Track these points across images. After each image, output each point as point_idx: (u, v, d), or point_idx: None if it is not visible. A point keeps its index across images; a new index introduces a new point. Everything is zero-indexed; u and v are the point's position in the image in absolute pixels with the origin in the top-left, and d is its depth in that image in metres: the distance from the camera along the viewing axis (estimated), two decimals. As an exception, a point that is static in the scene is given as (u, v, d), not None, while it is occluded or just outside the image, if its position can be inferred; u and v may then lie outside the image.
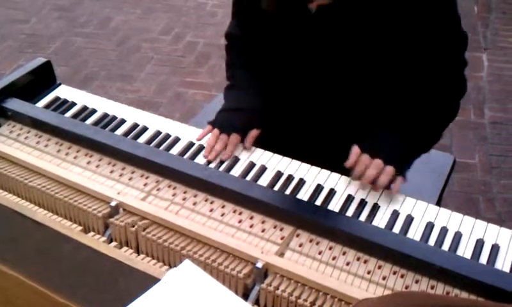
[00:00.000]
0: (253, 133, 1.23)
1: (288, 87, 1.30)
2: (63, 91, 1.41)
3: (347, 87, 1.22)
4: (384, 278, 0.89)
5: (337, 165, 1.14)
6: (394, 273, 0.90)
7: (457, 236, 0.98)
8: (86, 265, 0.80)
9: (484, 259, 0.94)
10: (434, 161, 1.61)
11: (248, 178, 1.13)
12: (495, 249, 0.96)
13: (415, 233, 1.00)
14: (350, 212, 1.04)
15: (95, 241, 0.87)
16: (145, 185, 1.10)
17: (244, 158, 1.19)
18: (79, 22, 3.50)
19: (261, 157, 1.19)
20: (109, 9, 3.62)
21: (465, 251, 0.96)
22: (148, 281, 0.72)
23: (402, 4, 1.10)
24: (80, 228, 1.00)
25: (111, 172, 1.13)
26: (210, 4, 3.68)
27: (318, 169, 1.15)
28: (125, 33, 3.39)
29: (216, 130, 1.22)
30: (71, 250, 0.81)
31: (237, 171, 1.15)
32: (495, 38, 3.21)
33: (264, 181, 1.12)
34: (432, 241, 0.98)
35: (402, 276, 0.90)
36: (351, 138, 1.18)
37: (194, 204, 1.05)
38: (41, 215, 0.97)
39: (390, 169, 1.09)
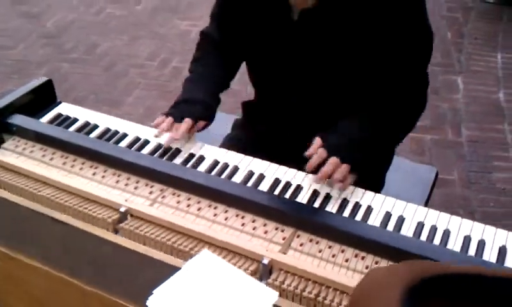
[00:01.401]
0: (200, 124, 1.33)
1: (270, 92, 1.39)
2: (64, 108, 1.46)
3: (326, 91, 1.31)
4: (381, 272, 0.96)
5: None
6: (390, 267, 0.97)
7: (447, 234, 1.06)
8: (110, 258, 0.84)
9: (471, 253, 1.02)
10: (417, 174, 1.69)
11: (249, 184, 1.19)
12: (481, 244, 1.03)
13: (407, 232, 1.07)
14: (346, 214, 1.11)
15: (114, 236, 0.91)
16: (150, 193, 1.15)
17: (243, 167, 1.25)
18: (66, 49, 3.55)
19: (259, 166, 1.25)
20: (95, 36, 3.68)
21: (454, 246, 1.03)
22: (169, 270, 0.77)
23: (377, 14, 1.18)
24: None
25: (117, 182, 1.18)
26: (194, 32, 3.77)
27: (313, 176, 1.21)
28: (111, 59, 3.45)
29: (170, 119, 1.32)
30: (94, 244, 0.86)
31: (237, 179, 1.21)
32: (468, 62, 3.37)
33: (264, 187, 1.18)
34: (423, 238, 1.05)
35: (397, 270, 0.96)
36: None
37: (199, 210, 1.10)
38: (58, 214, 1.01)
39: (345, 168, 1.16)
